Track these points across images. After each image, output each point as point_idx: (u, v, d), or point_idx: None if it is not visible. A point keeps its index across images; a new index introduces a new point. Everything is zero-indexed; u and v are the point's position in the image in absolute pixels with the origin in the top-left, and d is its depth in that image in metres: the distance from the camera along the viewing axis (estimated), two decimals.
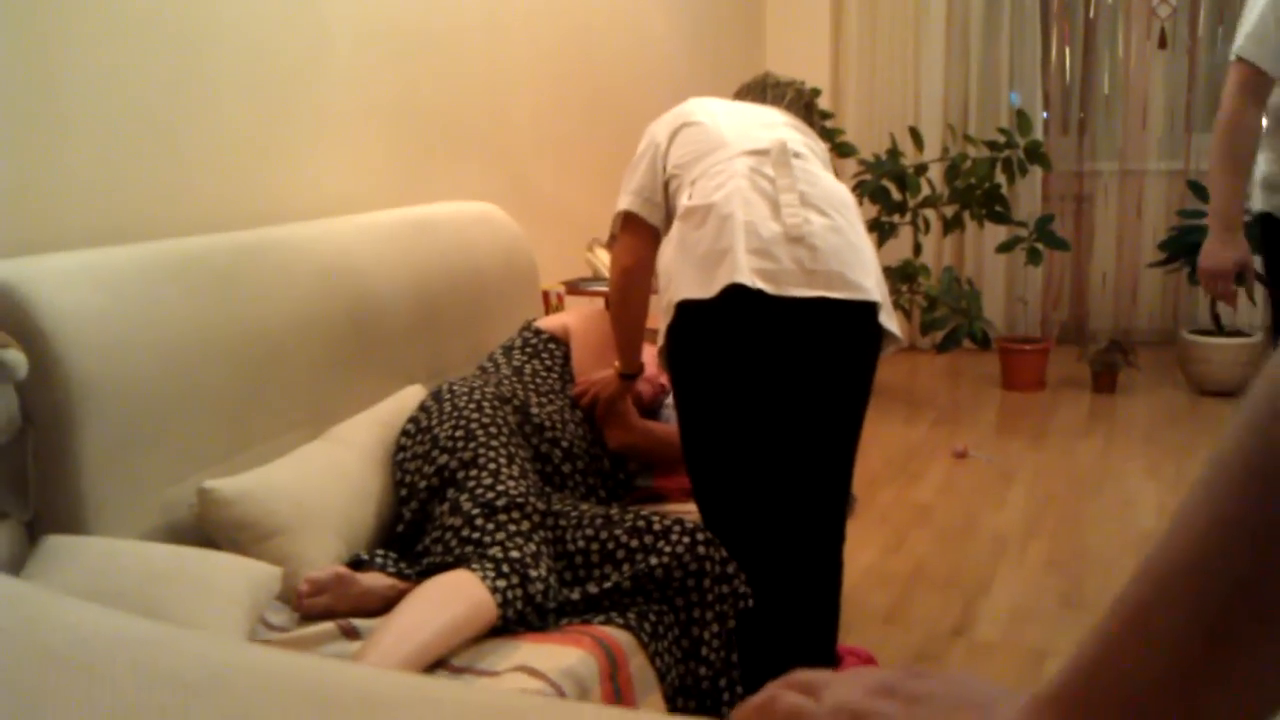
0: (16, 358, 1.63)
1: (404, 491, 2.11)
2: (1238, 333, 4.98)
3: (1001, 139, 4.90)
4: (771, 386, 2.08)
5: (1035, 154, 4.87)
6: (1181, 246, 4.94)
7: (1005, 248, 5.13)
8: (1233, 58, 2.49)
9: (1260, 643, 0.37)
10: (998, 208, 4.92)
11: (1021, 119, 4.94)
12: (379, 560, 1.95)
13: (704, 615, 2.00)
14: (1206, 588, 0.37)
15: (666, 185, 2.25)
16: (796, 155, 2.16)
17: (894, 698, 0.46)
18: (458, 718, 0.47)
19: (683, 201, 2.14)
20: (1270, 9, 2.41)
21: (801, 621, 2.21)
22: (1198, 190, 4.99)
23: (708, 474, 2.16)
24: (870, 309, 2.08)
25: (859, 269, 2.07)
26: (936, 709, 0.46)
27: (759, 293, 1.99)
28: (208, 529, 1.84)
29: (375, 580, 1.87)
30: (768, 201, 2.07)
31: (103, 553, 1.62)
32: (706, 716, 2.00)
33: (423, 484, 2.08)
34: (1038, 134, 5.51)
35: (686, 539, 1.99)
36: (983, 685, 0.47)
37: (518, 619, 1.80)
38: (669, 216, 2.23)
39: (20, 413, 1.70)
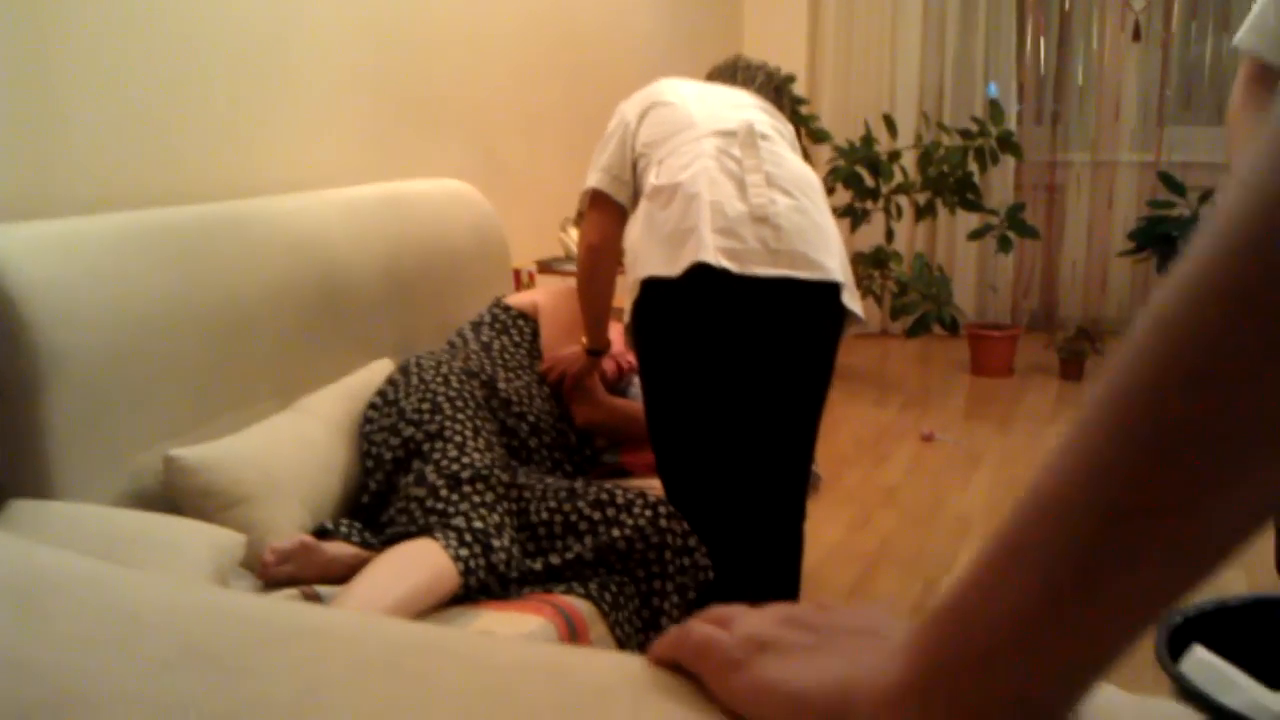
0: None
1: (370, 463, 2.14)
2: None
3: (975, 128, 4.95)
4: (735, 364, 2.12)
5: (1008, 143, 4.92)
6: (1151, 237, 5.00)
7: (976, 235, 5.18)
8: (1235, 51, 2.41)
9: (1124, 575, 0.39)
10: (970, 195, 4.96)
11: (994, 109, 4.99)
12: (344, 530, 1.98)
13: (665, 587, 2.03)
14: (1076, 518, 0.40)
15: (635, 164, 2.27)
16: (764, 137, 2.19)
17: (801, 628, 0.49)
18: (390, 643, 0.50)
19: (650, 180, 2.17)
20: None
21: (761, 595, 2.25)
22: (1168, 182, 5.04)
23: (671, 449, 2.19)
24: (833, 289, 2.12)
25: (823, 249, 2.10)
26: (840, 636, 0.49)
27: (724, 271, 2.02)
28: (174, 496, 1.86)
29: (340, 549, 1.89)
30: (734, 181, 2.10)
31: (67, 517, 1.64)
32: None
33: (389, 455, 2.10)
34: (1011, 124, 5.55)
35: (649, 512, 2.02)
36: (885, 616, 0.50)
37: (480, 587, 1.84)
38: (637, 195, 2.26)
39: None
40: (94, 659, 0.46)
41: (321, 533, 1.97)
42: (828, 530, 3.40)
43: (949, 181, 4.93)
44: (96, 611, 0.50)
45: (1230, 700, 1.10)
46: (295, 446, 2.04)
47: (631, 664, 0.51)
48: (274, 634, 0.49)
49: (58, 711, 0.42)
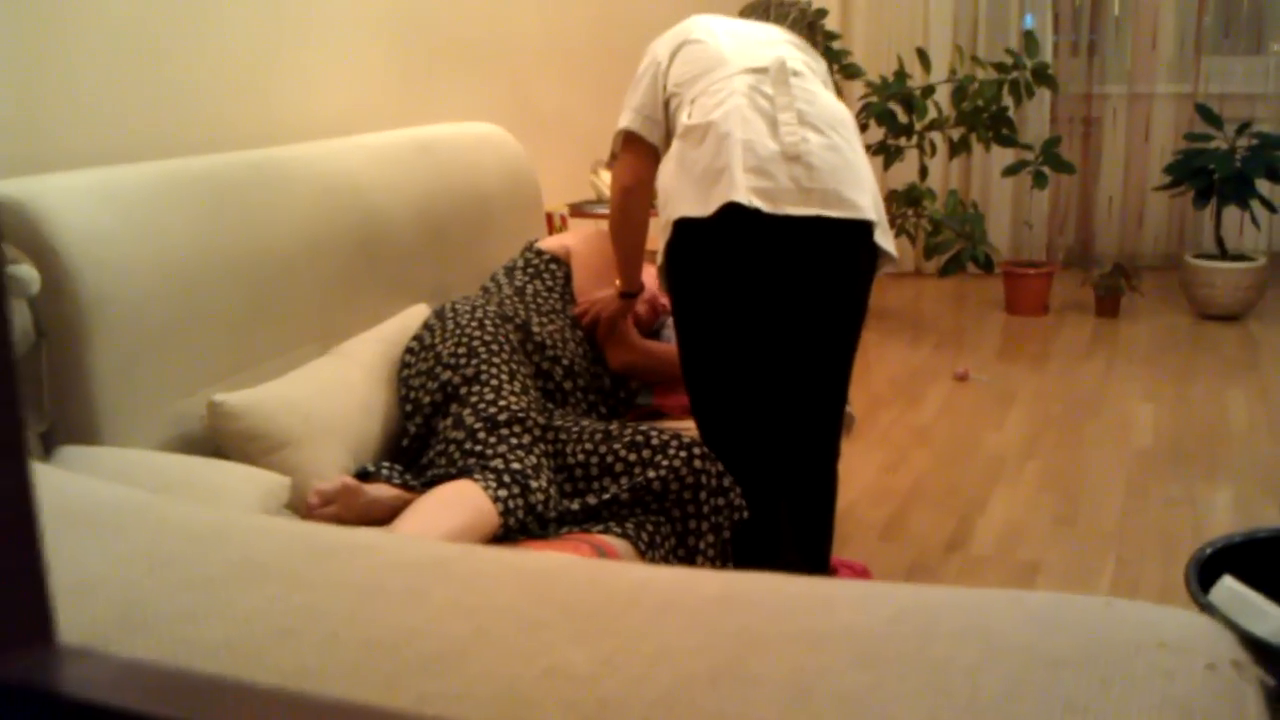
0: (29, 273, 1.67)
1: (409, 407, 2.17)
2: (1241, 256, 4.98)
3: (1010, 61, 4.87)
4: (768, 304, 2.12)
5: (1043, 76, 4.84)
6: (1188, 170, 4.93)
7: (1011, 171, 5.12)
8: None
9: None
10: (1004, 130, 4.90)
11: (1030, 40, 4.91)
12: (385, 472, 2.01)
13: (700, 526, 2.06)
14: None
15: (667, 104, 2.26)
16: (795, 74, 2.18)
17: None
18: (438, 555, 0.52)
19: (682, 120, 2.16)
20: None
21: (795, 534, 2.27)
22: (1206, 114, 4.96)
23: (705, 389, 2.20)
24: (866, 228, 2.11)
25: (855, 187, 2.09)
26: None
27: (755, 211, 2.02)
28: (218, 441, 1.90)
29: (382, 491, 1.93)
30: (766, 120, 2.09)
31: (116, 461, 1.68)
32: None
33: (426, 399, 2.13)
34: (1046, 56, 5.47)
35: (684, 453, 2.04)
36: None
37: (519, 527, 1.86)
38: (669, 135, 2.25)
39: (34, 327, 1.75)
40: (157, 577, 0.48)
41: (363, 475, 2.00)
42: (861, 470, 3.41)
43: (983, 116, 4.86)
44: (157, 534, 0.52)
45: (1258, 627, 1.11)
46: (336, 391, 2.07)
47: (661, 574, 0.52)
48: (326, 549, 0.51)
49: (124, 625, 0.44)
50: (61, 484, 0.60)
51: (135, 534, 0.52)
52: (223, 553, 0.50)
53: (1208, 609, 0.98)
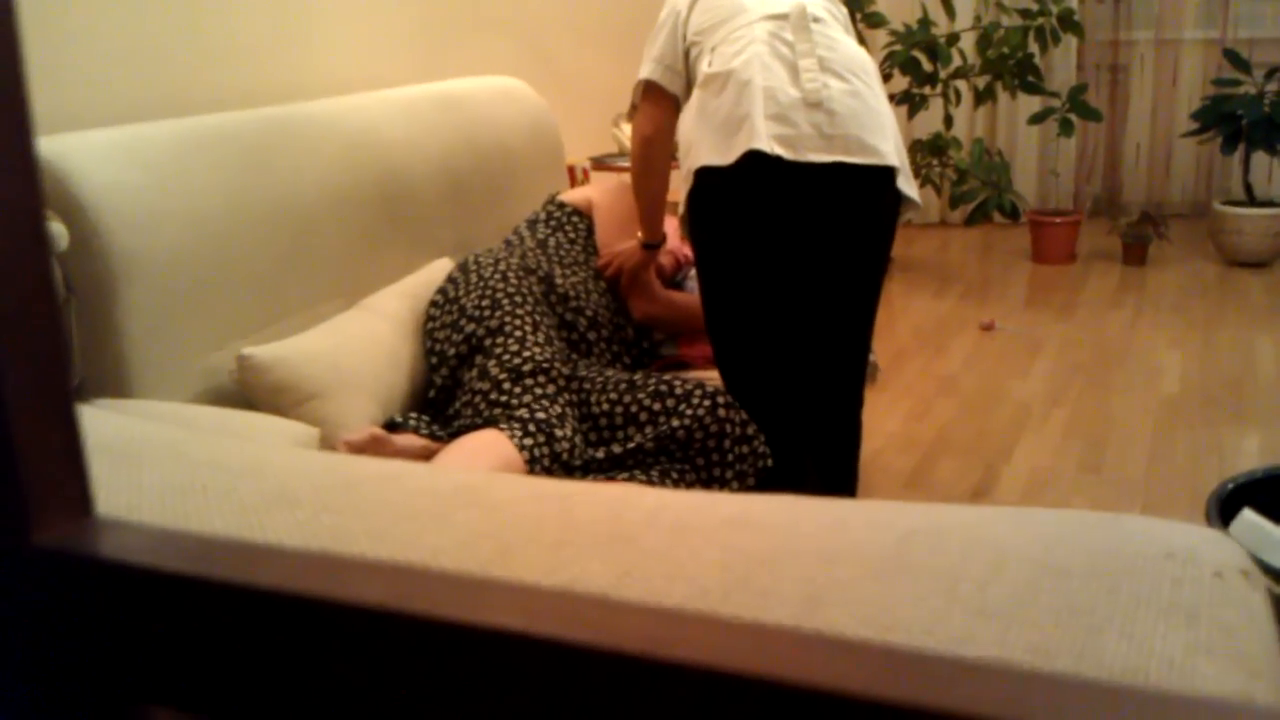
0: (58, 229, 1.69)
1: (434, 359, 2.19)
2: (1270, 203, 4.93)
3: (1035, 6, 4.81)
4: (790, 252, 2.12)
5: (1069, 22, 4.78)
6: (1216, 116, 4.87)
7: (1037, 119, 5.07)
8: None
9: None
10: (1030, 78, 4.85)
11: None
12: (412, 423, 2.03)
13: (724, 475, 2.07)
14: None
15: (687, 53, 2.26)
16: (816, 20, 2.16)
17: None
18: (464, 483, 0.53)
19: (702, 69, 2.15)
20: None
21: (819, 482, 2.29)
22: (1234, 59, 4.89)
23: (728, 339, 2.21)
24: (888, 174, 2.10)
25: (877, 133, 2.08)
26: None
27: (777, 159, 2.01)
28: (248, 393, 1.93)
29: (409, 441, 1.95)
30: (787, 67, 2.08)
31: (147, 413, 1.70)
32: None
33: (452, 351, 2.15)
34: (1072, 1, 5.39)
35: (708, 402, 2.05)
36: None
37: (545, 475, 1.89)
38: (689, 84, 2.25)
39: (63, 283, 1.77)
40: (189, 505, 0.49)
41: (391, 426, 2.03)
42: (886, 420, 3.42)
43: (1009, 64, 4.81)
44: (190, 466, 0.54)
45: (1277, 560, 1.12)
46: (363, 343, 2.09)
47: (678, 498, 0.54)
48: (354, 479, 0.52)
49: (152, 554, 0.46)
50: (90, 420, 0.62)
51: (170, 466, 0.53)
52: (256, 483, 0.52)
53: None
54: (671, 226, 2.59)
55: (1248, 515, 1.05)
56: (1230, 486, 1.09)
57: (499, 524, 0.51)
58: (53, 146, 1.79)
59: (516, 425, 1.91)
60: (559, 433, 1.93)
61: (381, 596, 0.32)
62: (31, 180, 0.36)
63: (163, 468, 0.54)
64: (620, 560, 0.48)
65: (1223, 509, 1.07)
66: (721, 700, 0.31)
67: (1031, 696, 0.28)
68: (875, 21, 4.86)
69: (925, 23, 4.86)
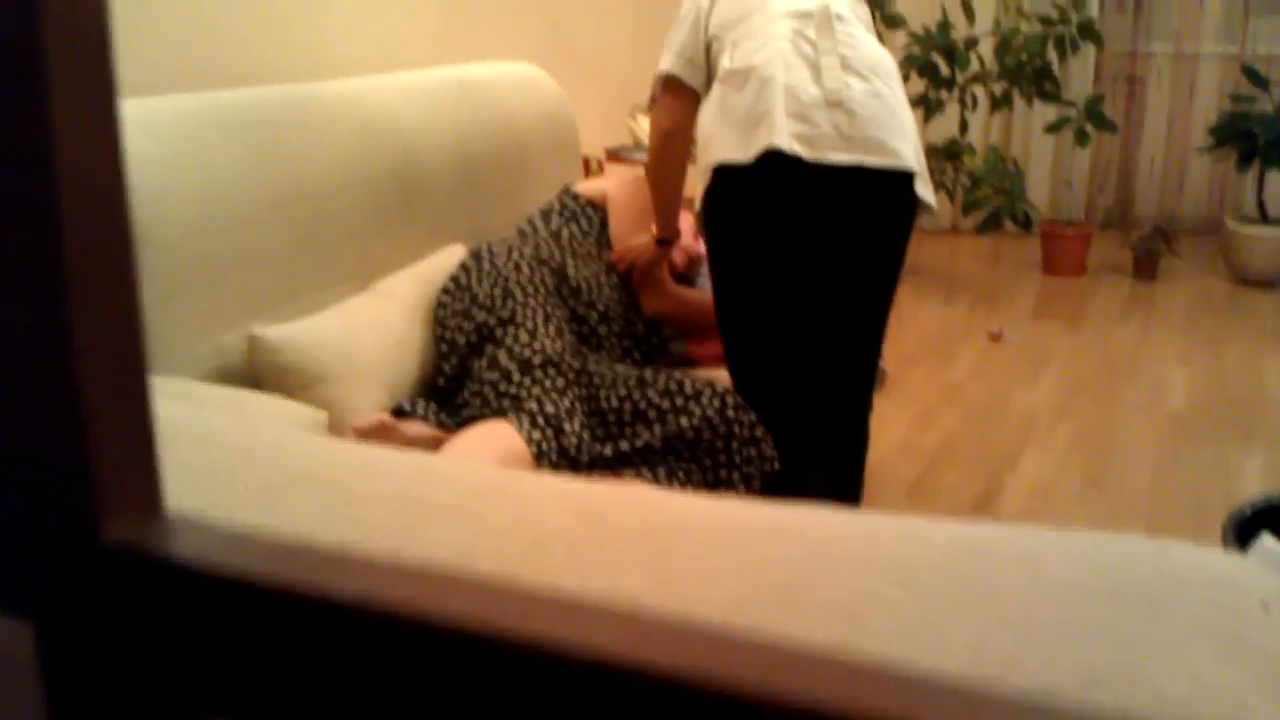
0: None
1: (444, 347, 2.18)
2: None
3: (1055, 14, 4.79)
4: (805, 252, 2.11)
5: (1088, 31, 4.77)
6: (1232, 132, 4.85)
7: (1053, 128, 5.06)
8: None
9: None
10: (1048, 86, 4.83)
11: None
12: (420, 410, 2.02)
13: (731, 476, 2.06)
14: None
15: (708, 47, 2.24)
16: (839, 18, 2.15)
17: None
18: (484, 477, 0.52)
19: (724, 64, 2.14)
20: None
21: (825, 486, 2.28)
22: (1252, 75, 4.87)
23: (739, 338, 2.20)
24: (906, 178, 2.09)
25: (897, 135, 2.07)
26: None
27: (796, 159, 2.00)
28: (257, 374, 1.91)
29: (418, 429, 1.94)
30: (808, 64, 2.06)
31: (155, 390, 1.69)
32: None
33: (462, 340, 2.14)
34: (1092, 11, 5.37)
35: (717, 402, 2.04)
36: None
37: (551, 469, 1.88)
38: (710, 79, 2.23)
39: None
40: (210, 486, 0.48)
41: (399, 412, 2.02)
42: (892, 427, 3.41)
43: (1027, 71, 4.79)
44: (210, 447, 0.53)
45: None
46: (373, 328, 2.08)
47: (704, 504, 0.53)
48: (375, 468, 0.51)
49: None
50: None
51: (191, 446, 0.52)
52: (277, 465, 0.51)
53: None
54: (686, 223, 2.58)
55: (1267, 541, 1.04)
56: (1248, 511, 1.08)
57: (529, 523, 0.50)
58: None
59: (525, 417, 1.90)
60: (567, 426, 1.92)
61: (476, 614, 0.30)
62: (115, 142, 0.35)
63: (188, 449, 0.53)
64: (655, 567, 0.47)
65: (1240, 533, 1.06)
66: None
67: None
68: (894, 23, 4.84)
69: (945, 26, 4.84)
